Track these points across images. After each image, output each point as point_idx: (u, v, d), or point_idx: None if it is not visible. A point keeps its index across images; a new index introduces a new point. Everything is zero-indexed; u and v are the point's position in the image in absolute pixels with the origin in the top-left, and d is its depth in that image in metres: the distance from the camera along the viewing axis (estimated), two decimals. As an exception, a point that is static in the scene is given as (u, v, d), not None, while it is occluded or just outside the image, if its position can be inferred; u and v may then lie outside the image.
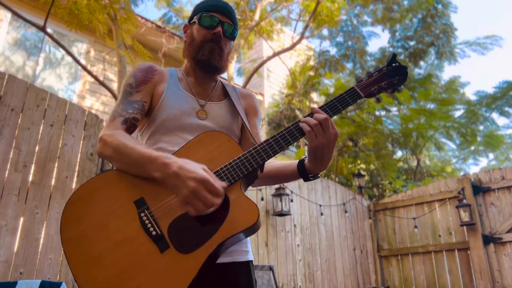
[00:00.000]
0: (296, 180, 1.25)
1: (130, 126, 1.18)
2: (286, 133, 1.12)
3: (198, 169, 0.97)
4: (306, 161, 1.20)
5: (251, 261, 1.24)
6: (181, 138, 1.20)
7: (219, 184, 0.97)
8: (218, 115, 1.29)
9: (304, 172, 1.19)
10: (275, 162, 1.30)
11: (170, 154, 1.05)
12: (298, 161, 1.23)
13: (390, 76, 1.20)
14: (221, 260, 1.13)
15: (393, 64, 1.22)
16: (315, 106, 1.15)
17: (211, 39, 1.27)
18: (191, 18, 1.36)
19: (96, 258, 0.98)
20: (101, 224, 1.02)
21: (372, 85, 1.19)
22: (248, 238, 1.27)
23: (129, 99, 1.22)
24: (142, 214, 1.02)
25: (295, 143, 1.11)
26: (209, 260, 0.99)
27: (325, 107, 1.14)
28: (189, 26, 1.36)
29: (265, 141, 1.12)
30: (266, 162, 1.31)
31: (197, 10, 1.33)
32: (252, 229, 1.03)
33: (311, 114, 1.11)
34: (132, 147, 1.06)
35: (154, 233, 1.00)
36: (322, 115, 1.08)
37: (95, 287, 0.96)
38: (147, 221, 1.01)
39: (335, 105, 1.14)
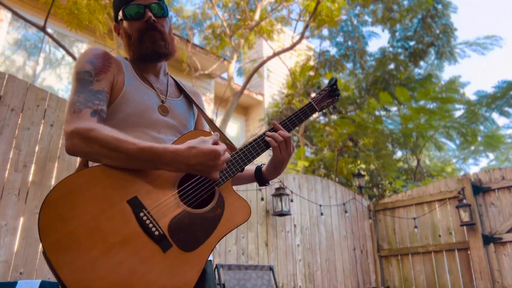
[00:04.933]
0: (249, 183, 1.44)
1: (99, 120, 1.07)
2: (255, 144, 1.27)
3: (206, 144, 1.08)
4: (263, 168, 1.36)
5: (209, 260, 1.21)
6: (146, 135, 1.17)
7: (221, 148, 1.09)
8: (178, 112, 1.29)
9: (261, 179, 1.37)
10: None
11: (169, 144, 1.11)
12: (255, 167, 1.39)
13: (329, 95, 1.44)
14: None
15: (334, 86, 1.44)
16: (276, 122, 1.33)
17: (147, 28, 1.22)
18: (116, 17, 1.30)
19: (92, 263, 0.89)
20: (92, 225, 0.93)
21: (323, 100, 1.43)
22: None
23: (90, 88, 1.11)
24: (141, 214, 0.99)
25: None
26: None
27: (286, 122, 1.33)
28: (118, 25, 1.31)
29: (248, 143, 1.25)
30: None
31: (118, 5, 1.27)
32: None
33: (272, 129, 1.29)
34: (127, 141, 1.01)
35: (156, 233, 0.98)
36: (286, 134, 1.26)
37: None
38: (147, 221, 0.98)
39: (293, 121, 1.34)
